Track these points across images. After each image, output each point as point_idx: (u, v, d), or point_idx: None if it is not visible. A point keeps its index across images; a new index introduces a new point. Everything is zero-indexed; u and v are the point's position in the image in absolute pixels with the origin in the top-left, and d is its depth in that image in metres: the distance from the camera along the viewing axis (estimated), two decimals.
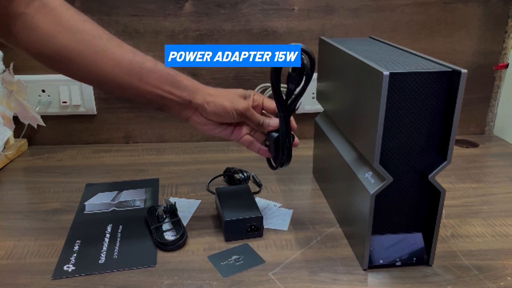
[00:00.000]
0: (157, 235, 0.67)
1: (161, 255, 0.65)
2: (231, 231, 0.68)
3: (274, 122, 0.67)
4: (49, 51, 0.58)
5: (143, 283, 0.59)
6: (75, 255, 0.64)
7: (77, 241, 0.68)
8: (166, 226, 0.70)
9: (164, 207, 0.74)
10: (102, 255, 0.64)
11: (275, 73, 0.61)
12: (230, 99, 0.65)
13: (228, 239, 0.68)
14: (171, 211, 0.73)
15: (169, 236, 0.68)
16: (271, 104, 0.68)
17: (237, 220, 0.67)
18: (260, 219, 0.68)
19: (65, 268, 0.61)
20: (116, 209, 0.77)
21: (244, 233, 0.68)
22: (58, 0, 0.58)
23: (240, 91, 0.68)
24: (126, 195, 0.81)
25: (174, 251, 0.65)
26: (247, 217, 0.68)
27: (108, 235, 0.69)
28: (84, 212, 0.76)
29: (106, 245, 0.66)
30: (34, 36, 0.57)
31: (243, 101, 0.66)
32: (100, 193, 0.82)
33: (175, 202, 0.76)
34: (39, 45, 0.57)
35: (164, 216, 0.73)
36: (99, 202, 0.79)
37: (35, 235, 0.69)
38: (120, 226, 0.71)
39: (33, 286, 0.58)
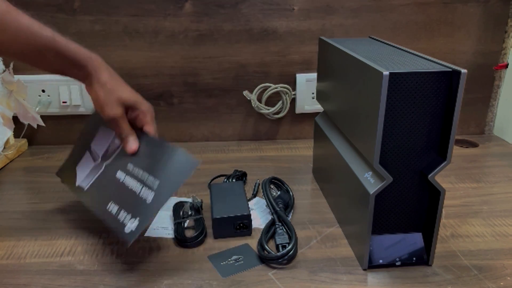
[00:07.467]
0: (177, 231, 0.68)
1: (161, 254, 0.65)
2: (219, 228, 0.68)
3: (132, 146, 0.64)
4: None
5: (143, 283, 0.59)
6: None
7: None
8: (187, 223, 0.72)
9: (191, 203, 0.75)
10: None
11: None
12: (111, 99, 0.62)
13: (216, 236, 0.69)
14: (196, 208, 0.74)
15: (188, 232, 0.69)
16: (150, 130, 0.65)
17: (225, 218, 0.68)
18: (248, 217, 0.68)
19: None
20: None
21: (232, 231, 0.68)
22: None
23: (129, 97, 0.63)
24: None
25: (190, 248, 0.66)
26: (232, 215, 0.68)
27: None
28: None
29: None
30: None
31: (119, 108, 0.62)
32: None
33: (201, 200, 0.77)
34: None
35: (190, 213, 0.73)
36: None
37: (35, 235, 0.69)
38: None
39: (33, 286, 0.58)
